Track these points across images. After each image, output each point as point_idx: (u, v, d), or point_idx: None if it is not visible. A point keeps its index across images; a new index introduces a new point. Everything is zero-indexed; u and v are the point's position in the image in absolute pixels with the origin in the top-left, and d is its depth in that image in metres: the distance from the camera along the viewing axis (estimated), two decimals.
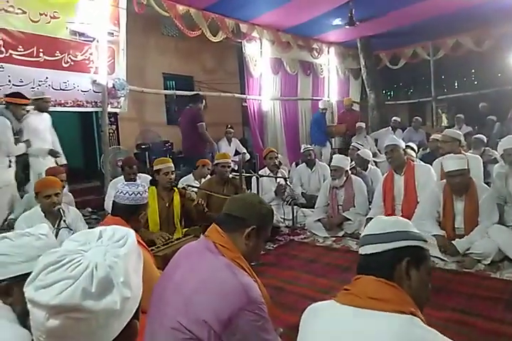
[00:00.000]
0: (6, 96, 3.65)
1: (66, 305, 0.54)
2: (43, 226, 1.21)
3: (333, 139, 7.84)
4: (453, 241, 2.96)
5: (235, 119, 7.86)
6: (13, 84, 3.91)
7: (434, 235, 3.01)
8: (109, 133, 5.03)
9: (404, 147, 3.79)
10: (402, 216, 3.46)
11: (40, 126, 3.95)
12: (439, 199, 3.13)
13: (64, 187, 3.24)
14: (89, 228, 3.22)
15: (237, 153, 6.61)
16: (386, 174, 3.74)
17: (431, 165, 3.89)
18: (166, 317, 1.22)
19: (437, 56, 8.55)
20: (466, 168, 2.93)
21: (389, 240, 0.99)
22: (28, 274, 1.07)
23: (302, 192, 4.96)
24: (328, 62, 8.47)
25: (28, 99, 3.74)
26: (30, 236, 1.14)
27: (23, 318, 1.07)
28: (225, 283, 1.21)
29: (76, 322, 0.56)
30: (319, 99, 8.41)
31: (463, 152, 3.79)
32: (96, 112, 5.18)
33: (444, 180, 3.15)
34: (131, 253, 0.63)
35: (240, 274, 1.26)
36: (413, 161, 3.81)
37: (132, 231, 0.68)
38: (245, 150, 6.73)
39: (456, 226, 3.07)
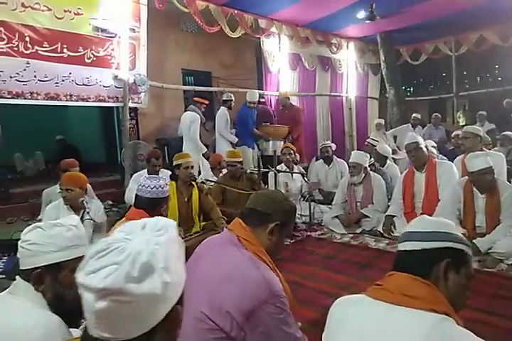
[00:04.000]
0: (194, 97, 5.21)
1: (111, 288, 0.58)
2: (73, 218, 1.25)
3: (270, 142, 5.95)
4: (474, 240, 2.91)
5: None
6: (38, 80, 4.01)
7: None
8: (130, 127, 5.11)
9: (424, 144, 3.73)
10: (422, 213, 3.44)
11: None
12: (459, 197, 3.08)
13: None
14: (109, 219, 3.33)
15: None
16: (406, 171, 3.70)
17: (452, 162, 3.83)
18: (190, 306, 1.24)
19: (460, 51, 8.34)
20: (491, 165, 2.87)
21: (431, 239, 0.97)
22: (59, 263, 1.13)
23: (319, 189, 4.95)
24: (347, 58, 8.36)
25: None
26: (62, 227, 1.18)
27: (54, 305, 1.12)
28: (247, 276, 1.23)
29: (121, 305, 0.59)
30: (338, 95, 8.36)
31: (485, 149, 3.72)
32: (116, 107, 5.26)
33: (466, 177, 3.10)
34: (171, 240, 0.67)
35: (263, 268, 1.28)
36: (434, 158, 3.75)
37: (174, 222, 0.71)
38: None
39: (477, 224, 3.02)
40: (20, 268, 1.16)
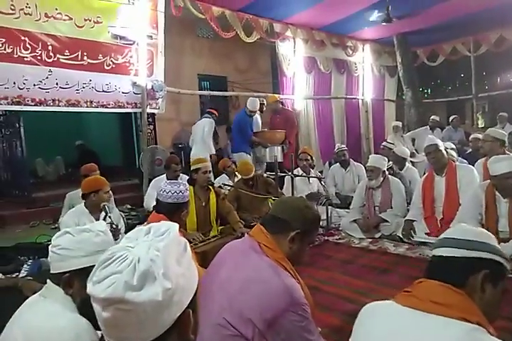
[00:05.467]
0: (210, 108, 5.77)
1: (112, 297, 0.59)
2: (101, 224, 1.29)
3: (267, 149, 5.63)
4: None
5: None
6: (60, 87, 4.13)
7: None
8: (147, 132, 5.20)
9: (444, 147, 3.68)
10: (442, 218, 3.39)
11: None
12: (481, 201, 3.02)
13: None
14: (128, 224, 3.38)
15: None
16: (426, 175, 3.65)
17: (473, 165, 3.76)
18: (212, 313, 1.25)
19: (479, 52, 8.19)
20: None
21: (472, 248, 0.95)
22: (87, 268, 1.16)
23: (336, 193, 4.92)
24: (363, 60, 8.32)
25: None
26: (90, 233, 1.21)
27: (83, 308, 1.15)
28: (269, 283, 1.23)
29: (126, 313, 0.60)
30: (354, 98, 8.31)
31: (507, 152, 3.63)
32: (134, 113, 5.37)
33: (488, 181, 3.03)
34: (170, 245, 0.65)
35: (284, 275, 1.27)
36: (454, 162, 3.69)
37: (176, 225, 0.70)
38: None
39: (499, 229, 2.94)
40: (51, 271, 1.20)
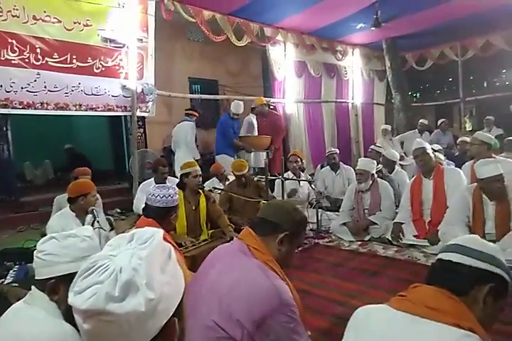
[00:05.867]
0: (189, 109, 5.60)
1: (93, 309, 0.57)
2: (87, 229, 1.28)
3: (251, 154, 5.67)
4: None
5: None
6: (48, 90, 4.09)
7: None
8: (137, 136, 5.17)
9: (431, 150, 3.73)
10: (430, 221, 3.43)
11: None
12: (468, 204, 3.06)
13: None
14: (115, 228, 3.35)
15: None
16: (414, 178, 3.69)
17: (460, 168, 3.81)
18: (200, 315, 1.26)
19: (466, 56, 8.33)
20: (501, 172, 2.85)
21: (484, 260, 0.95)
22: (72, 274, 1.15)
23: (326, 196, 4.94)
24: (353, 64, 8.40)
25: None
26: (76, 238, 1.20)
27: (68, 315, 1.14)
28: (258, 284, 1.24)
29: (108, 325, 0.58)
30: (344, 102, 8.38)
31: (494, 156, 3.70)
32: (124, 116, 5.34)
33: (474, 184, 3.08)
34: (154, 253, 0.64)
35: (273, 277, 1.28)
36: (442, 165, 3.74)
37: (160, 231, 0.68)
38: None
39: (486, 231, 2.98)
40: (36, 277, 1.19)
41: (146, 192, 2.24)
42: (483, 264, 0.95)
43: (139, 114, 4.90)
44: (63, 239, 1.20)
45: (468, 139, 4.81)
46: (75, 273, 1.15)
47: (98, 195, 3.09)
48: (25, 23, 3.89)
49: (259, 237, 1.38)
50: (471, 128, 9.84)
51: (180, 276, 0.70)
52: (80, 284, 0.60)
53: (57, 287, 1.15)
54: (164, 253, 0.67)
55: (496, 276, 0.95)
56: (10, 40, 3.79)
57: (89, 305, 0.57)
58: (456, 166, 3.92)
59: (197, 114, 5.58)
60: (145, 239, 0.65)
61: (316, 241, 3.86)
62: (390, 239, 3.60)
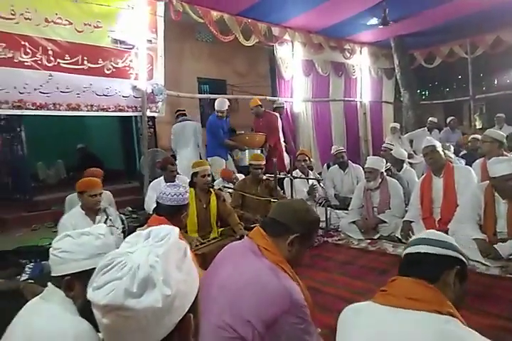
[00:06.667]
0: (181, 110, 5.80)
1: (112, 304, 0.59)
2: (101, 227, 1.31)
3: (246, 152, 5.36)
4: (495, 246, 2.87)
5: None
6: (60, 91, 4.15)
7: (474, 239, 2.93)
8: (148, 136, 5.22)
9: (441, 148, 3.71)
10: (441, 219, 3.41)
11: None
12: (480, 202, 3.04)
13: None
14: (129, 226, 3.38)
15: None
16: (424, 176, 3.67)
17: (470, 165, 3.78)
18: (211, 315, 1.26)
19: (475, 54, 8.21)
20: None
21: (447, 247, 1.07)
22: (88, 270, 1.18)
23: (335, 194, 4.95)
24: (361, 63, 8.36)
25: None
26: (90, 236, 1.23)
27: (84, 311, 1.15)
28: (268, 285, 1.24)
29: (126, 320, 0.60)
30: (352, 100, 8.34)
31: (505, 153, 3.66)
32: (135, 116, 5.39)
33: (486, 182, 3.05)
34: (170, 251, 0.65)
35: (283, 277, 1.28)
36: (452, 163, 3.72)
37: (176, 229, 0.70)
38: None
39: (498, 230, 2.96)
40: (52, 274, 1.22)
41: (156, 190, 2.28)
42: (447, 251, 1.06)
43: (149, 114, 4.95)
44: (78, 236, 1.22)
45: (479, 136, 4.77)
46: (90, 269, 1.19)
47: (105, 196, 3.09)
48: (37, 25, 3.95)
49: (269, 238, 1.37)
50: (480, 126, 9.72)
51: (195, 274, 0.71)
52: (98, 280, 0.62)
53: (73, 283, 1.18)
54: (180, 251, 0.68)
55: (458, 260, 1.07)
56: (23, 43, 3.86)
57: (108, 300, 0.59)
58: (466, 164, 3.88)
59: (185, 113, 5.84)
60: (161, 236, 0.67)
61: (326, 239, 3.87)
62: (399, 237, 3.59)
